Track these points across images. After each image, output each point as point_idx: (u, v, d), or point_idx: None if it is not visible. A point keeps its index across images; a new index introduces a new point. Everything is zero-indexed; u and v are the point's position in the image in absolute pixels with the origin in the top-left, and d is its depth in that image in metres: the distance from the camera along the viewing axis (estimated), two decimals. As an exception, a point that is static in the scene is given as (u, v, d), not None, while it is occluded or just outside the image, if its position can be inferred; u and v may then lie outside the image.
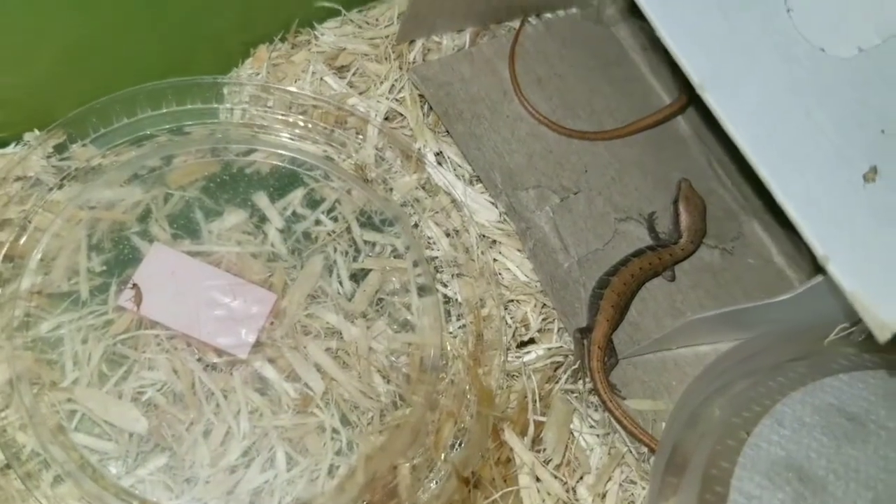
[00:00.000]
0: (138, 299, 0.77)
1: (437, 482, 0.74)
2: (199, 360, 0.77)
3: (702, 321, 0.76)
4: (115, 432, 0.73)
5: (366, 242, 0.86)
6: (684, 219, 0.88)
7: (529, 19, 1.01)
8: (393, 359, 0.81)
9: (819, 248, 0.60)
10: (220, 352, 0.77)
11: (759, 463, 0.71)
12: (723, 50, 0.66)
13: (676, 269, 0.89)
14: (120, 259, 0.80)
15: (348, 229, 0.86)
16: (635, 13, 1.03)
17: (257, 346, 0.78)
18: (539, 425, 0.78)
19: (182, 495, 0.72)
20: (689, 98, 0.97)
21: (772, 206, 0.93)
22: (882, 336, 0.58)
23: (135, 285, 0.78)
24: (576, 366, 0.82)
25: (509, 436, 0.76)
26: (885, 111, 0.68)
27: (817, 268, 0.66)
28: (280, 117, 0.89)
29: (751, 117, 0.63)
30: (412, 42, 0.96)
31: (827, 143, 0.65)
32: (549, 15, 1.03)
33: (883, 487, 0.71)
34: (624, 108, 0.97)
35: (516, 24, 0.99)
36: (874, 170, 0.63)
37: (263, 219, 0.85)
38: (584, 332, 0.82)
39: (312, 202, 0.87)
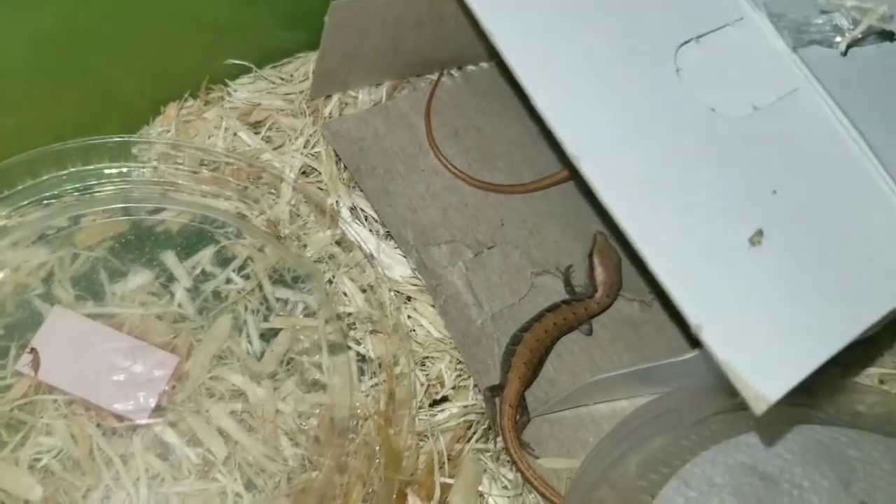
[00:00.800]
0: (36, 364, 0.76)
1: (340, 549, 0.72)
2: (97, 425, 0.75)
3: (609, 379, 0.75)
4: (10, 500, 0.71)
5: (278, 300, 0.85)
6: (599, 272, 0.87)
7: (451, 72, 1.01)
8: (300, 421, 0.79)
9: (692, 317, 0.58)
10: (120, 417, 0.76)
11: (662, 528, 0.70)
12: (606, 116, 0.64)
13: (595, 323, 0.88)
14: (20, 322, 0.79)
15: (260, 287, 0.85)
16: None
17: (158, 410, 0.76)
18: (446, 488, 0.77)
19: (74, 567, 0.70)
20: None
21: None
22: (758, 408, 0.57)
23: (33, 350, 0.76)
24: (486, 425, 0.81)
25: (413, 501, 0.75)
26: (778, 170, 0.67)
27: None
28: (191, 174, 0.88)
29: (631, 186, 0.62)
30: (329, 97, 0.95)
31: (714, 206, 0.63)
32: (471, 67, 1.03)
33: (791, 548, 0.70)
34: (543, 160, 0.97)
35: (435, 77, 0.99)
36: (760, 233, 0.63)
37: (171, 278, 0.84)
38: (496, 390, 0.81)
39: (223, 260, 0.86)
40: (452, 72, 1.01)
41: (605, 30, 0.67)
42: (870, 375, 0.92)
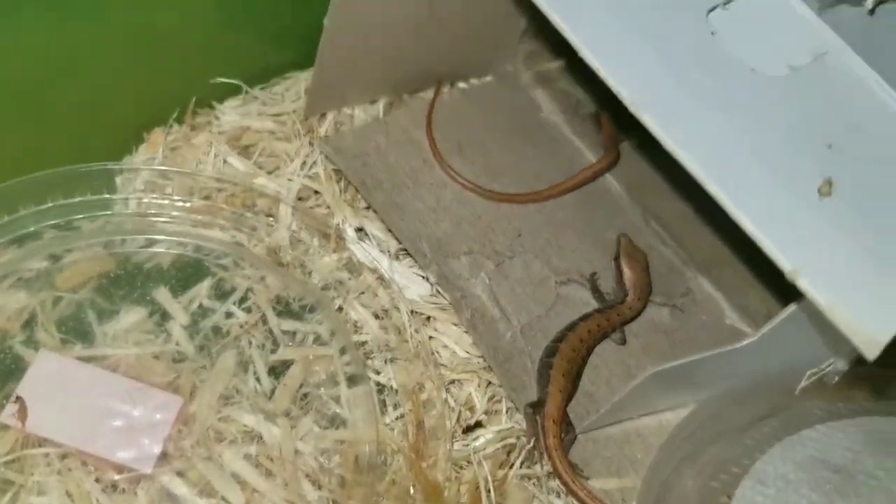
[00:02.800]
0: (23, 414, 0.67)
1: None
2: (96, 480, 0.66)
3: (657, 379, 0.68)
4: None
5: (284, 332, 0.77)
6: (628, 275, 0.82)
7: (444, 88, 0.96)
8: (323, 460, 0.71)
9: (786, 263, 0.54)
10: (120, 468, 0.66)
11: (747, 529, 0.63)
12: (654, 76, 0.61)
13: (626, 332, 0.82)
14: (2, 371, 0.70)
15: (264, 319, 0.77)
16: (552, 78, 1.00)
17: (164, 457, 0.68)
18: (496, 517, 0.69)
19: None
20: (617, 155, 0.93)
21: (718, 258, 0.89)
22: (871, 353, 0.52)
23: (18, 398, 0.67)
24: (530, 445, 0.73)
25: (463, 532, 0.67)
26: (827, 126, 0.65)
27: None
28: (181, 204, 0.81)
29: (690, 138, 0.58)
30: (323, 116, 0.90)
31: (774, 160, 0.60)
32: (463, 84, 0.99)
33: (888, 539, 0.64)
34: (550, 170, 0.92)
35: (431, 94, 0.94)
36: (829, 182, 0.59)
37: (166, 316, 0.76)
38: (536, 407, 0.74)
39: (222, 293, 0.78)
40: (446, 88, 0.97)
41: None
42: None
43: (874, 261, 0.57)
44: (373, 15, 0.79)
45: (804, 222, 0.57)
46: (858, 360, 0.69)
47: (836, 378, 0.70)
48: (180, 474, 0.68)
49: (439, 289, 0.80)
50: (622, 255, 0.83)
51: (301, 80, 0.91)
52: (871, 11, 0.69)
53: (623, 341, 0.82)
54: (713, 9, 0.67)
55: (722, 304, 0.88)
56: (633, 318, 0.82)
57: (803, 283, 0.53)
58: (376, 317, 0.79)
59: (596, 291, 0.84)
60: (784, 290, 0.80)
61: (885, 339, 0.52)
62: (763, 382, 0.74)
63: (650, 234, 0.91)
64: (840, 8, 0.69)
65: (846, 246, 0.56)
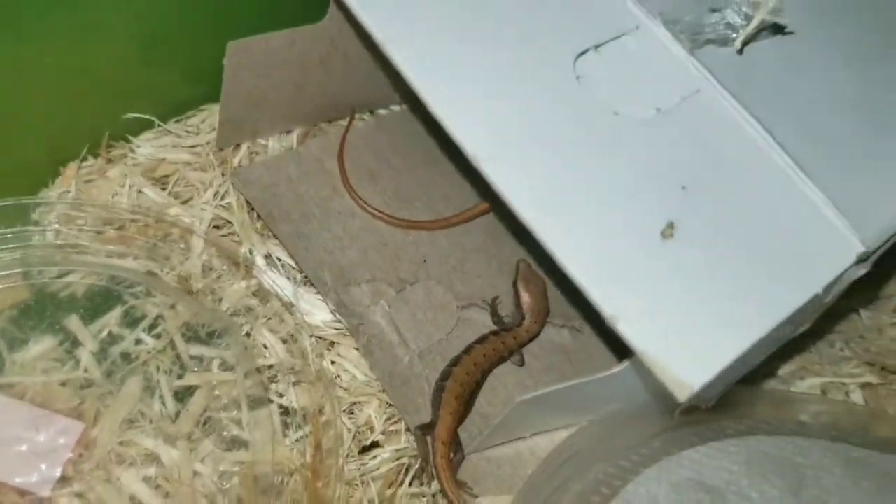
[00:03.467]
0: (-75, 443, 0.70)
1: None
2: (-3, 505, 0.70)
3: (528, 406, 0.71)
4: None
5: (192, 358, 0.81)
6: (525, 299, 0.85)
7: (362, 116, 0.99)
8: (221, 481, 0.74)
9: (606, 309, 0.56)
10: (22, 492, 0.70)
11: (609, 551, 0.66)
12: (507, 121, 0.64)
13: (526, 354, 0.85)
14: None
15: (172, 345, 0.81)
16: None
17: (64, 481, 0.71)
18: (380, 536, 0.72)
19: None
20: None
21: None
22: (682, 395, 0.55)
23: (-78, 428, 0.71)
24: (419, 465, 0.76)
25: (344, 551, 0.70)
26: (686, 167, 0.67)
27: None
28: (95, 235, 0.84)
29: (537, 186, 0.61)
30: (237, 146, 0.93)
31: (621, 204, 0.63)
32: (382, 111, 1.02)
33: (748, 562, 0.66)
34: (462, 197, 0.95)
35: (346, 122, 0.98)
36: (671, 225, 0.61)
37: (76, 343, 0.79)
38: (426, 429, 0.77)
39: (132, 321, 0.82)
40: (364, 116, 1.00)
41: (501, 39, 0.67)
42: (812, 386, 0.90)
43: (702, 304, 0.59)
44: (272, 53, 0.82)
45: (637, 266, 0.59)
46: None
47: (711, 402, 0.73)
48: (79, 496, 0.71)
49: (338, 315, 0.83)
50: (520, 280, 0.86)
51: (216, 112, 0.94)
52: (740, 51, 0.72)
53: (521, 363, 0.85)
54: (584, 52, 0.70)
55: (623, 325, 0.90)
56: (529, 341, 0.85)
57: (621, 329, 0.56)
58: (283, 341, 0.82)
59: (495, 315, 0.86)
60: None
61: (697, 385, 0.54)
62: (651, 403, 0.76)
63: (556, 257, 0.94)
64: (709, 48, 0.72)
65: (673, 292, 0.59)
